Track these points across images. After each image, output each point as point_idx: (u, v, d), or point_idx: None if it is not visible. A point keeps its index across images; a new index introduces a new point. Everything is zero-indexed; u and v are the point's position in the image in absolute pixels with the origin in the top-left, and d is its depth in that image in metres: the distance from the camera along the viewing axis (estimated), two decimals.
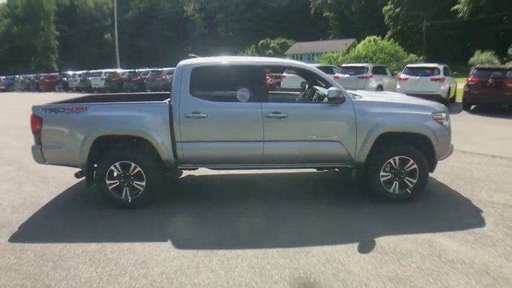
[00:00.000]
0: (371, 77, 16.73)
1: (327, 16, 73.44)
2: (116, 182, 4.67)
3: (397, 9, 49.53)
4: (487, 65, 13.50)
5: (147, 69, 30.08)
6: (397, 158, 4.72)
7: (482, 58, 33.17)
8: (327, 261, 3.45)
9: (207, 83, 4.78)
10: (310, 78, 5.15)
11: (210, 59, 5.16)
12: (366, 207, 4.76)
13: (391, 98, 5.59)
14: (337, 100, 4.60)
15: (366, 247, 3.71)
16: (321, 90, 5.40)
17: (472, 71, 14.14)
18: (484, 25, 38.48)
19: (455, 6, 39.96)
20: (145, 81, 26.45)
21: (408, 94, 14.06)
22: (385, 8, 51.67)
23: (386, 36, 48.60)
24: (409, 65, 16.96)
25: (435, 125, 4.79)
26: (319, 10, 74.43)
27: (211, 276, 3.23)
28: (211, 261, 3.47)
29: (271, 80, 19.53)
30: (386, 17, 51.72)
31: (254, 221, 4.40)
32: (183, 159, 4.71)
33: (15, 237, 4.08)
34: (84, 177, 4.88)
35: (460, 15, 39.72)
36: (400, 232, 4.01)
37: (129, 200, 4.69)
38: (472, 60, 33.26)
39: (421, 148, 4.78)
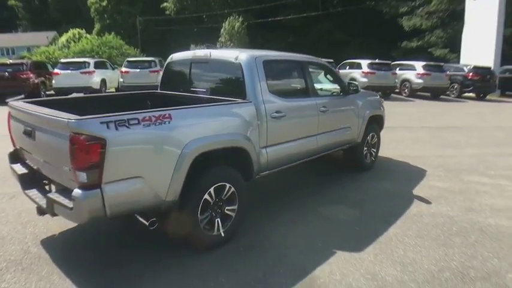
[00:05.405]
0: (94, 71, 17.42)
1: (14, 5, 63.62)
2: (208, 216, 3.52)
3: (103, 3, 48.98)
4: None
5: None
6: (370, 134, 6.19)
7: None
8: (471, 225, 4.21)
9: (275, 79, 4.42)
10: (326, 73, 5.64)
11: (264, 51, 4.71)
12: (357, 178, 5.96)
13: None
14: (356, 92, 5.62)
15: (441, 206, 4.76)
16: None
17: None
18: (188, 23, 43.79)
19: (164, 4, 43.55)
20: None
21: (133, 85, 16.36)
22: (90, 1, 49.95)
23: (94, 30, 47.58)
24: (129, 59, 19.40)
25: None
26: None
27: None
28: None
29: (34, 80, 16.32)
30: (92, 10, 50.20)
31: (345, 213, 4.56)
32: (265, 166, 4.14)
33: None
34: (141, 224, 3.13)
35: (168, 12, 43.63)
36: (425, 185, 5.61)
37: (222, 234, 3.61)
38: None
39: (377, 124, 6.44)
